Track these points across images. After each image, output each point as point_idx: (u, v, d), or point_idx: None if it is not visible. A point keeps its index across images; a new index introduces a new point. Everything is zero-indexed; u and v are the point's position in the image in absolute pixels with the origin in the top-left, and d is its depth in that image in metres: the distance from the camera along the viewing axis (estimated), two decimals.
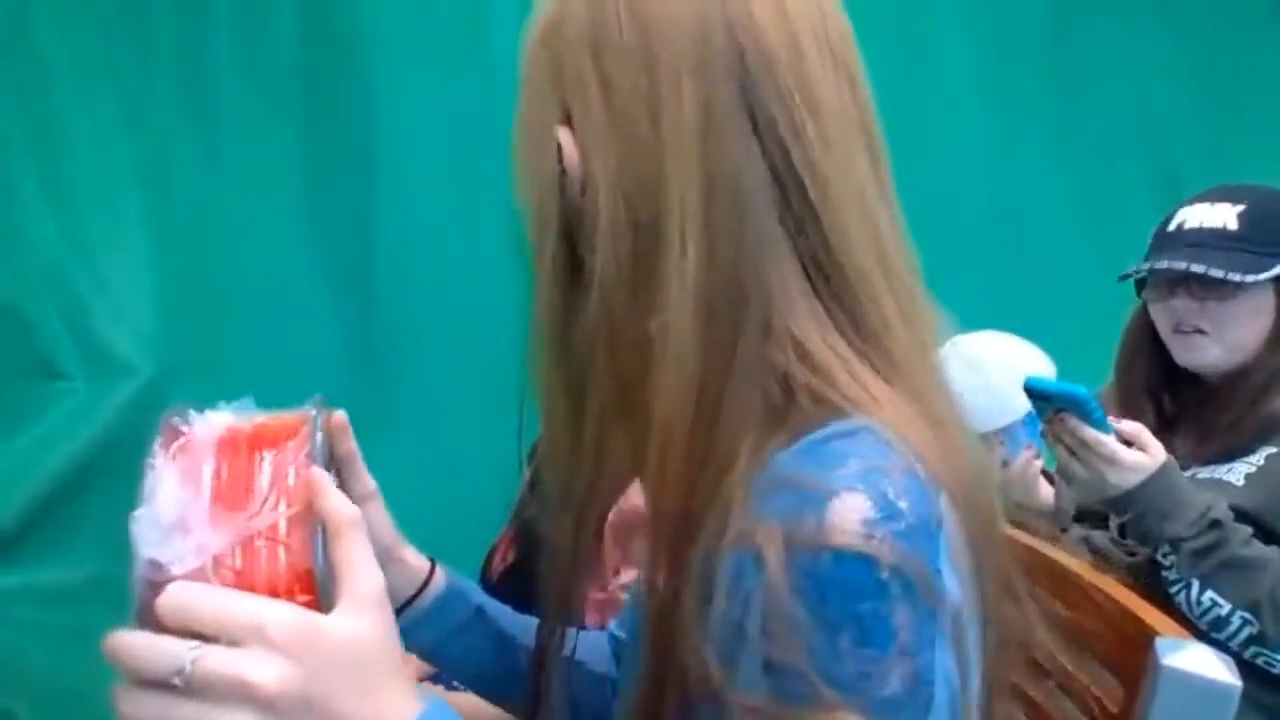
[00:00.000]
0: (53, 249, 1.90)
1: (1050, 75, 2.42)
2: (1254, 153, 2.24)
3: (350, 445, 0.70)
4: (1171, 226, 1.39)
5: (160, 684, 0.43)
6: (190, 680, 0.42)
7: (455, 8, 2.16)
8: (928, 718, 0.47)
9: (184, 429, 0.52)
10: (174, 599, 0.44)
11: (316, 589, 0.47)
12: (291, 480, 0.50)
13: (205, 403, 1.96)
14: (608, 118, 0.57)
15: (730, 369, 0.53)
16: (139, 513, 0.48)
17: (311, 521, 0.48)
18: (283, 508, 0.48)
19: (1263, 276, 1.30)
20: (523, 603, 0.81)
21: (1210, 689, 0.63)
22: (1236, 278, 1.28)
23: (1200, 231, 1.34)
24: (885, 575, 0.46)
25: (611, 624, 0.86)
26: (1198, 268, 1.30)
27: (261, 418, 0.54)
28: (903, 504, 0.48)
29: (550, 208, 0.60)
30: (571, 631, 0.78)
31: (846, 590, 0.46)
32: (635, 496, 1.30)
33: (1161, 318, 1.40)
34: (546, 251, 0.61)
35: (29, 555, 1.82)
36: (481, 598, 0.79)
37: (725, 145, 0.55)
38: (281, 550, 0.47)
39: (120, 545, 1.77)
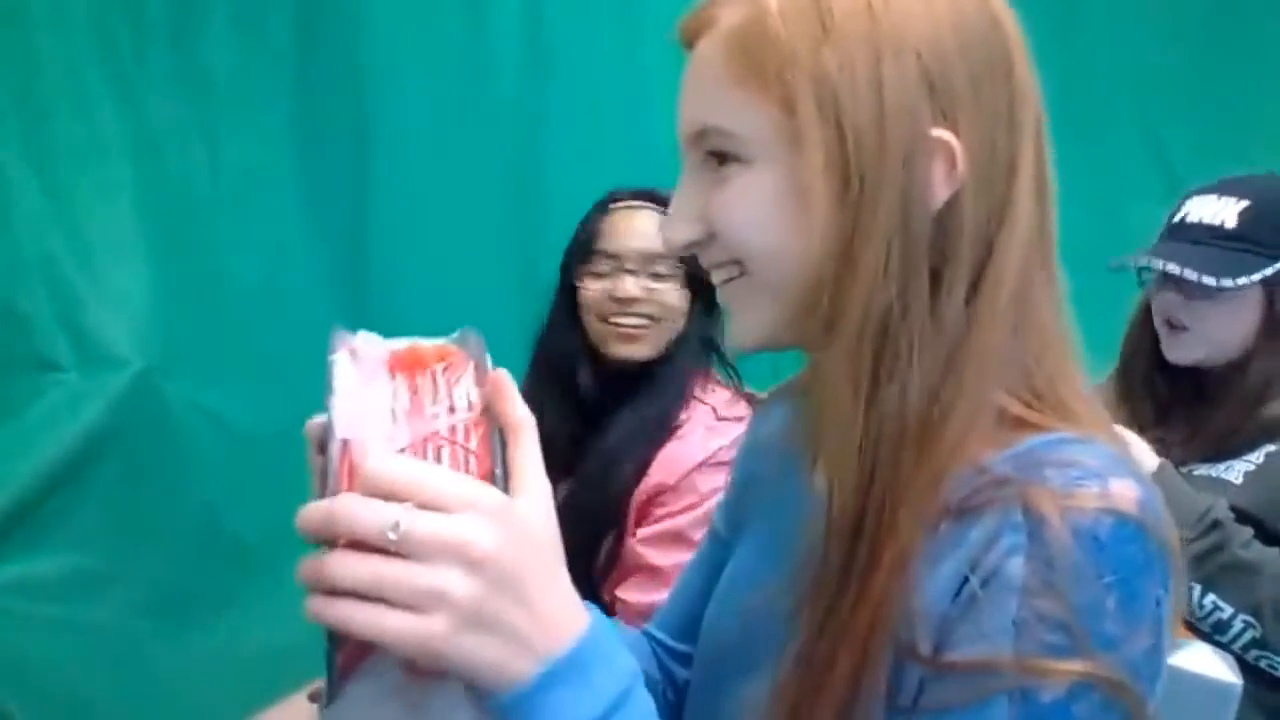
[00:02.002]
0: (45, 241, 1.89)
1: (1048, 68, 2.41)
2: (1252, 144, 2.25)
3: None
4: (1177, 217, 1.38)
5: (370, 544, 0.43)
6: (405, 537, 0.42)
7: None
8: (1154, 688, 0.50)
9: (355, 347, 0.52)
10: (386, 464, 0.44)
11: (495, 489, 0.48)
12: (464, 388, 0.50)
13: (203, 393, 1.94)
14: (977, 114, 0.56)
15: (1007, 359, 0.56)
16: (332, 399, 0.48)
17: (489, 425, 0.49)
18: (463, 412, 0.49)
19: (1241, 281, 1.28)
20: None
21: (1212, 688, 0.63)
22: (1210, 282, 1.27)
23: (1199, 228, 1.34)
24: (1154, 548, 0.50)
25: (649, 625, 0.86)
26: (1173, 268, 1.29)
27: (414, 340, 0.54)
28: (1155, 496, 0.52)
29: (920, 225, 0.55)
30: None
31: (1123, 555, 0.49)
32: (653, 477, 1.31)
33: (1156, 309, 1.40)
34: (898, 267, 0.55)
35: (21, 547, 1.81)
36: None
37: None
38: (461, 451, 0.48)
39: (112, 536, 1.76)
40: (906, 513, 0.53)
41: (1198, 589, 1.21)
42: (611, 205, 1.43)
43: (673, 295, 1.38)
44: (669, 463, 1.32)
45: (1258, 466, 1.30)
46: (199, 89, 2.01)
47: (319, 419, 0.52)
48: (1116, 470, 0.52)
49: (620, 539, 1.34)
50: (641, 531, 1.32)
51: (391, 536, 0.42)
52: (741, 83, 0.57)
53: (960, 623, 0.51)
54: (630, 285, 1.37)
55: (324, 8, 2.08)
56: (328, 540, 0.44)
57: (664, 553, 1.29)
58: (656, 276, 1.38)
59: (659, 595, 1.26)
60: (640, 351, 1.39)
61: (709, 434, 1.33)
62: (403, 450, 0.47)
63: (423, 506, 0.43)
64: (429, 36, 2.14)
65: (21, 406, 1.85)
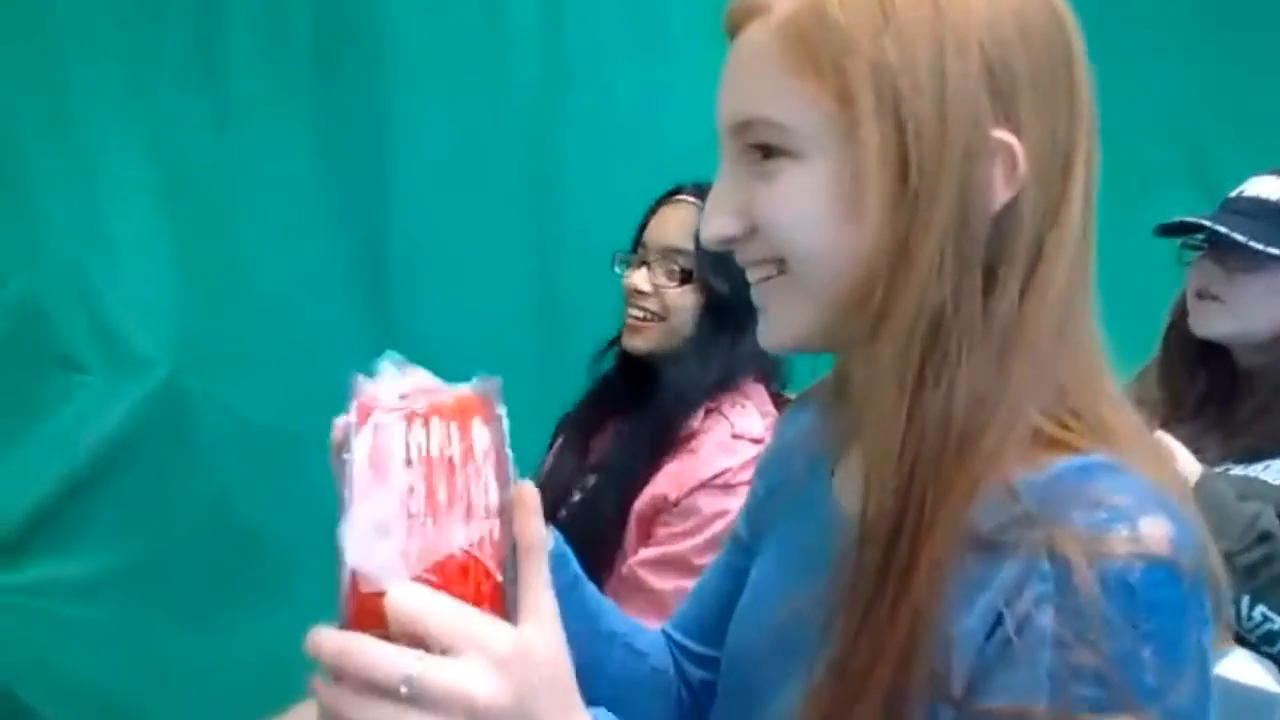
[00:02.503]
0: (70, 243, 1.90)
1: None
2: None
3: None
4: (1234, 192, 1.38)
5: (384, 690, 0.43)
6: (416, 690, 0.43)
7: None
8: None
9: (373, 406, 0.51)
10: (404, 604, 0.45)
11: (505, 605, 0.48)
12: (486, 483, 0.49)
13: (228, 394, 1.95)
14: (1039, 110, 0.55)
15: (1042, 382, 0.55)
16: (344, 520, 0.47)
17: (505, 536, 0.49)
18: (480, 519, 0.48)
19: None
20: None
21: (1255, 696, 0.62)
22: (1258, 245, 1.26)
23: (1253, 201, 1.33)
24: (1188, 590, 0.49)
25: (666, 625, 0.85)
26: (1221, 228, 1.29)
27: (434, 391, 0.53)
28: (1189, 528, 0.50)
29: (978, 225, 0.54)
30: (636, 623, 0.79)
31: (1157, 600, 0.48)
32: (658, 486, 1.29)
33: (1191, 281, 1.38)
34: (955, 269, 0.53)
35: (47, 549, 1.82)
36: (577, 568, 0.77)
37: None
38: (477, 564, 0.48)
39: (137, 538, 1.77)
40: (944, 517, 0.52)
41: (1246, 600, 1.18)
42: (668, 199, 1.42)
43: (680, 296, 1.34)
44: (676, 476, 1.29)
45: None
46: (220, 90, 2.01)
47: (343, 420, 0.53)
48: (1147, 506, 0.50)
49: (619, 546, 1.31)
50: (643, 552, 1.29)
51: (404, 691, 0.43)
52: (796, 73, 0.55)
53: (994, 670, 0.50)
54: (638, 278, 1.37)
55: (344, 10, 2.08)
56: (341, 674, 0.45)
57: (663, 578, 1.25)
58: (671, 274, 1.35)
59: (659, 623, 1.24)
60: (638, 344, 1.37)
61: (719, 452, 1.29)
62: (416, 567, 0.46)
63: (433, 644, 0.44)
64: (448, 39, 2.14)
65: (48, 409, 1.86)
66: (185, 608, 1.88)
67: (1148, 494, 0.51)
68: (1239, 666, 0.64)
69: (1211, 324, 1.35)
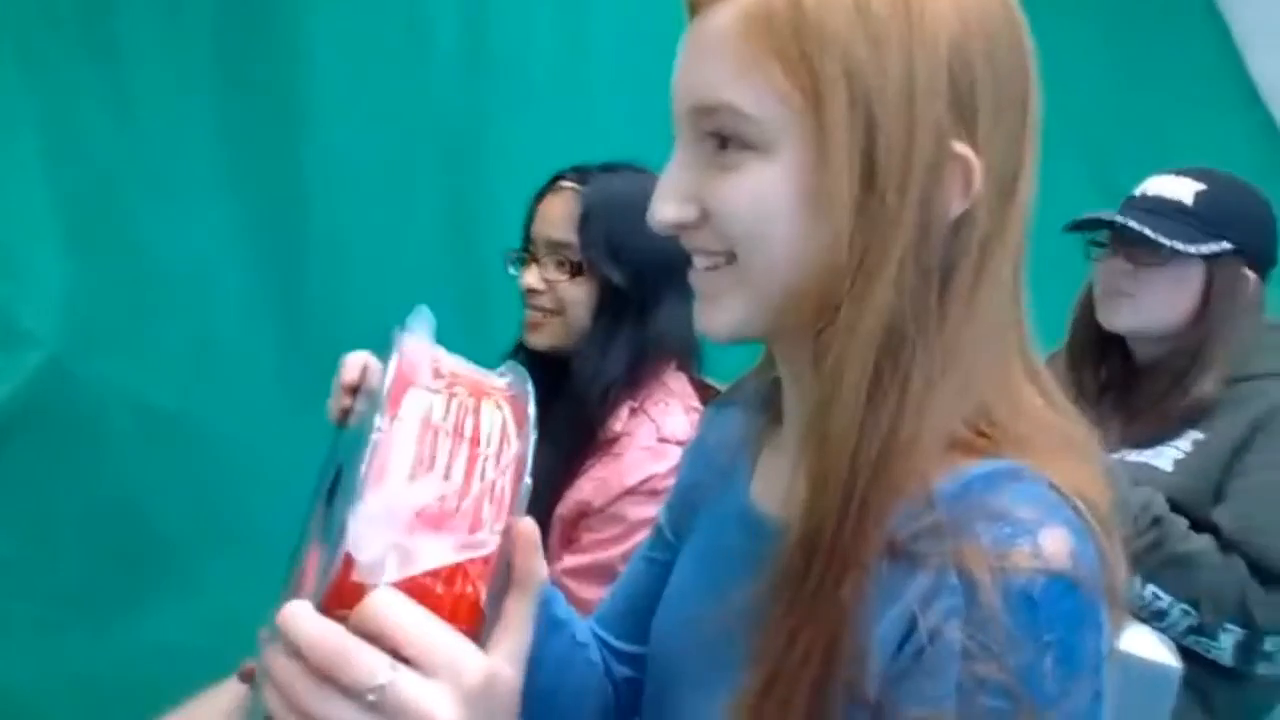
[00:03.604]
0: None
1: None
2: (1188, 146, 2.30)
3: None
4: (1138, 191, 1.44)
5: (350, 690, 0.42)
6: (384, 699, 0.42)
7: None
8: None
9: (411, 379, 0.49)
10: (380, 610, 0.44)
11: (479, 627, 0.47)
12: (499, 497, 0.48)
13: (121, 376, 1.85)
14: (996, 126, 0.55)
15: (970, 388, 0.56)
16: (358, 499, 0.45)
17: (503, 558, 0.48)
18: (484, 532, 0.47)
19: (1190, 249, 1.34)
20: None
21: (1155, 671, 0.64)
22: (1165, 241, 1.33)
23: (1157, 200, 1.40)
24: (1086, 600, 0.51)
25: (591, 620, 0.85)
26: (1132, 224, 1.35)
27: (476, 375, 0.52)
28: (1089, 537, 0.52)
29: (936, 237, 0.54)
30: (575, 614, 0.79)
31: (1058, 612, 0.50)
32: (581, 490, 1.27)
33: (1098, 278, 1.44)
34: (912, 278, 0.54)
35: None
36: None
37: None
38: (465, 578, 0.47)
39: (23, 527, 1.68)
40: (874, 523, 0.53)
41: (1138, 580, 1.24)
42: (549, 188, 1.38)
43: (573, 288, 1.30)
44: (601, 481, 1.26)
45: (1186, 455, 1.34)
46: (113, 58, 1.91)
47: (356, 358, 0.49)
48: (1049, 517, 0.52)
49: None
50: (568, 559, 1.26)
51: (372, 699, 0.42)
52: (764, 62, 0.54)
53: (905, 679, 0.51)
54: (530, 276, 1.33)
55: None
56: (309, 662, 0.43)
57: (589, 586, 1.23)
58: (561, 266, 1.31)
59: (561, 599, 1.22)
60: (538, 342, 1.33)
61: (645, 457, 1.25)
62: (410, 573, 0.45)
63: (408, 659, 0.43)
64: (359, 17, 2.08)
65: None
66: (79, 599, 1.80)
67: (1050, 505, 0.53)
68: (1139, 642, 0.67)
69: (1119, 318, 1.41)
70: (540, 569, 0.49)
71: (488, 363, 1.60)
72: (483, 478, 0.48)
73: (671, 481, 1.22)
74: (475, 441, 0.49)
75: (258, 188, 2.03)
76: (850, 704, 0.52)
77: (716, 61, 0.55)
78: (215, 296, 1.97)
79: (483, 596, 0.47)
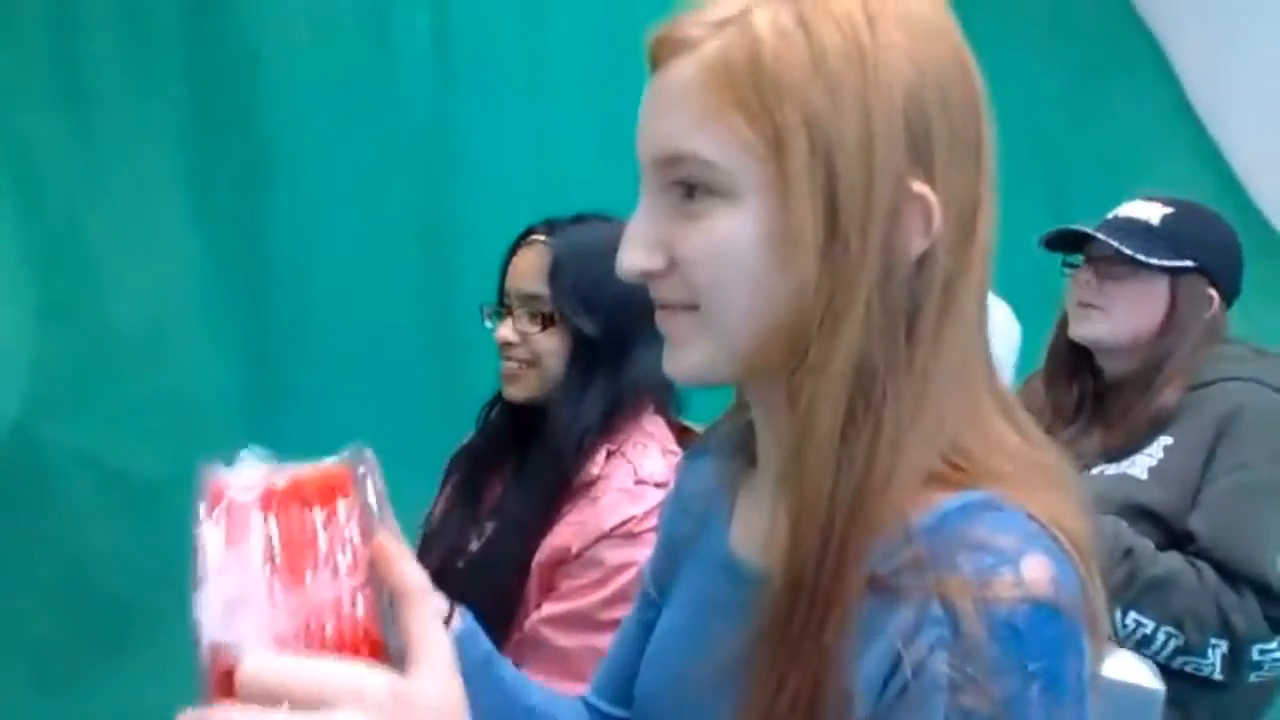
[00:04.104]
0: None
1: None
2: (1124, 167, 2.38)
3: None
4: (1111, 214, 1.50)
5: None
6: None
7: None
8: None
9: (224, 489, 0.48)
10: (260, 667, 0.42)
11: (389, 659, 0.45)
12: (349, 546, 0.47)
13: (86, 440, 1.82)
14: (952, 166, 0.56)
15: (943, 423, 0.56)
16: (198, 595, 0.44)
17: (377, 589, 0.46)
18: (345, 577, 0.46)
19: (1154, 261, 1.39)
20: None
21: (1137, 695, 0.63)
22: (1128, 252, 1.39)
23: (1125, 219, 1.46)
24: (1069, 626, 0.51)
25: (586, 693, 0.82)
26: (1101, 235, 1.41)
27: (298, 470, 0.50)
28: (1068, 563, 0.53)
29: (899, 277, 0.55)
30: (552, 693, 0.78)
31: (1041, 640, 0.50)
32: (559, 536, 1.26)
33: (1070, 292, 1.49)
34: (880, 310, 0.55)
35: None
36: (489, 645, 0.74)
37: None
38: (347, 624, 0.45)
39: None
40: (854, 561, 0.53)
41: (1119, 611, 1.24)
42: (520, 242, 1.39)
43: (546, 340, 1.29)
44: (578, 526, 1.23)
45: (1159, 462, 1.36)
46: (82, 116, 1.91)
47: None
48: (1029, 545, 0.52)
49: (520, 600, 1.27)
50: (547, 608, 1.22)
51: None
52: (723, 113, 0.54)
53: (892, 714, 0.51)
54: (504, 329, 1.33)
55: (214, 13, 2.00)
56: None
57: (568, 635, 1.20)
58: (534, 318, 1.32)
59: (567, 684, 1.18)
60: (515, 393, 1.33)
61: (623, 499, 1.23)
62: (278, 635, 0.44)
63: (305, 705, 0.41)
64: (326, 33, 2.08)
65: None
66: (38, 664, 1.75)
67: (1029, 533, 0.53)
68: (1122, 666, 0.67)
69: (1088, 328, 1.46)
70: (414, 574, 0.47)
71: (465, 409, 1.57)
72: (327, 532, 0.47)
73: (651, 524, 1.21)
74: (307, 514, 0.48)
75: (224, 243, 2.02)
76: None
77: (680, 112, 0.56)
78: (179, 355, 1.95)
79: (377, 633, 0.46)
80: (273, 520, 0.47)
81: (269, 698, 0.41)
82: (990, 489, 0.55)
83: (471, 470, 1.42)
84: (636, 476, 1.25)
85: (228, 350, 2.03)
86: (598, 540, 1.21)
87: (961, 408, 0.57)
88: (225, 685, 0.43)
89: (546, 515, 1.27)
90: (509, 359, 1.33)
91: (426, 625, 0.47)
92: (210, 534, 0.46)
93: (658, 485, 1.24)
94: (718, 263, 0.56)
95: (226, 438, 1.93)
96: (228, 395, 2.00)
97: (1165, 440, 1.37)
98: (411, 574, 0.47)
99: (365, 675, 0.43)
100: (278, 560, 0.45)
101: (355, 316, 2.07)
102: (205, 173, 1.99)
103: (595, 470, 1.26)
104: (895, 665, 0.51)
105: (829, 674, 0.52)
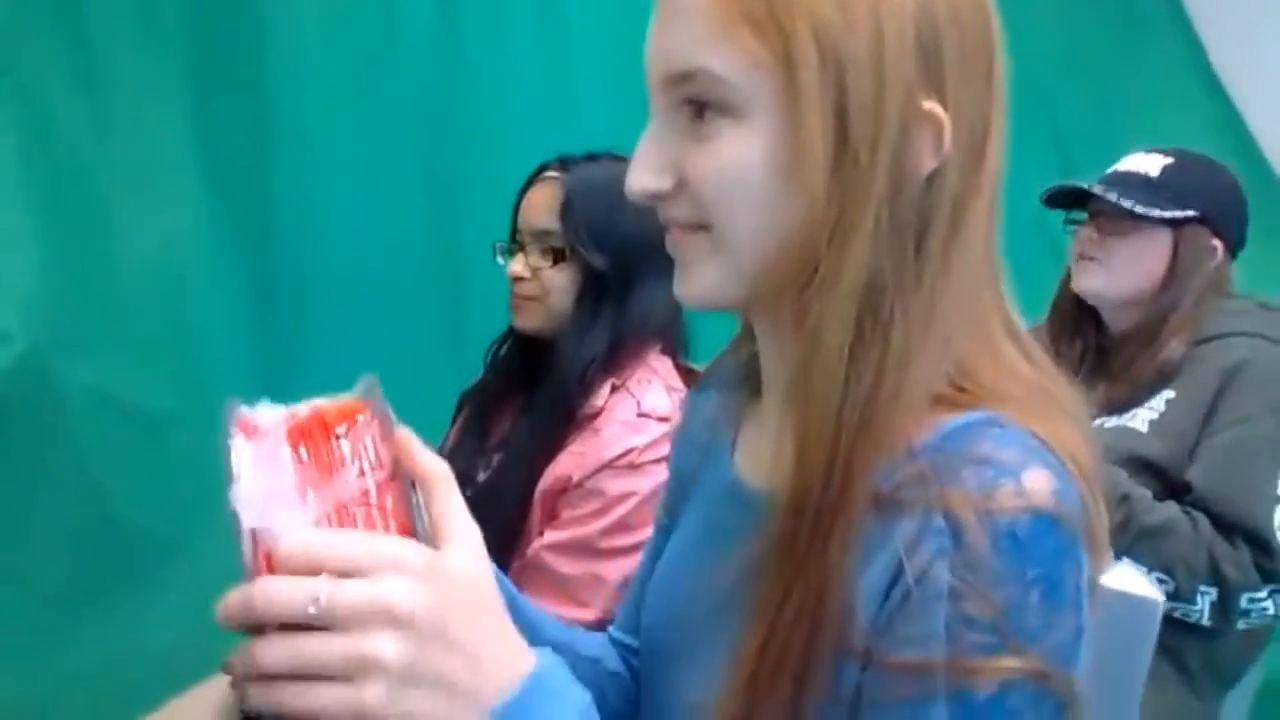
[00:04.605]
0: None
1: None
2: (1144, 129, 2.34)
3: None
4: (1112, 168, 1.50)
5: (296, 622, 0.42)
6: (327, 610, 0.42)
7: None
8: (1080, 658, 0.53)
9: (252, 419, 0.51)
10: (302, 543, 0.44)
11: (414, 538, 0.47)
12: (371, 448, 0.50)
13: (95, 373, 1.83)
14: (963, 85, 0.56)
15: (950, 343, 0.57)
16: (235, 489, 0.47)
17: (402, 483, 0.49)
18: (371, 473, 0.49)
19: (1153, 213, 1.39)
20: None
21: (1137, 604, 0.65)
22: (1127, 205, 1.38)
23: (1126, 173, 1.46)
24: (1069, 536, 0.52)
25: (610, 629, 0.85)
26: (1098, 190, 1.41)
27: (315, 402, 0.53)
28: (1069, 478, 0.54)
29: (909, 193, 0.55)
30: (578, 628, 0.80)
31: (1042, 549, 0.51)
32: (562, 465, 1.27)
33: (1073, 245, 1.50)
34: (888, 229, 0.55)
35: None
36: (512, 588, 0.76)
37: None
38: (377, 513, 0.48)
39: (9, 520, 1.64)
40: (859, 477, 0.54)
41: (1112, 553, 1.26)
42: (534, 178, 1.39)
43: (556, 275, 1.31)
44: (580, 456, 1.26)
45: (1160, 415, 1.37)
46: (88, 57, 1.89)
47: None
48: (1031, 460, 0.53)
49: (524, 528, 1.29)
50: (549, 535, 1.25)
51: (313, 611, 0.42)
52: (733, 27, 0.54)
53: (894, 625, 0.52)
54: (516, 264, 1.34)
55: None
56: (255, 628, 0.44)
57: (570, 562, 1.23)
58: (545, 254, 1.32)
59: (568, 609, 1.21)
60: (523, 322, 1.35)
61: (625, 431, 1.26)
62: (319, 523, 0.47)
63: (344, 575, 0.43)
64: (332, 6, 2.07)
65: None
66: (57, 599, 1.78)
67: (1030, 448, 0.54)
68: (1120, 577, 0.68)
69: (1091, 280, 1.46)
70: (436, 463, 0.49)
71: (471, 352, 1.59)
72: (349, 438, 0.49)
73: (652, 456, 1.23)
74: (329, 430, 0.50)
75: (231, 182, 2.01)
76: (839, 656, 0.53)
77: (688, 28, 0.56)
78: (188, 291, 1.96)
79: (407, 520, 0.48)
80: (300, 440, 0.49)
81: (309, 570, 0.43)
82: (995, 410, 0.56)
83: (481, 405, 1.45)
84: (639, 409, 1.27)
85: (235, 289, 2.04)
86: (599, 470, 1.24)
87: (969, 329, 0.58)
88: (268, 568, 0.45)
89: (551, 446, 1.30)
90: (518, 294, 1.34)
91: (452, 507, 0.49)
92: (241, 446, 0.48)
93: (660, 419, 1.27)
94: (727, 182, 0.56)
95: (234, 375, 1.95)
96: (235, 333, 2.01)
97: (1168, 394, 1.38)
98: (434, 462, 0.49)
99: (401, 546, 0.45)
100: (306, 463, 0.48)
101: (362, 257, 2.08)
102: (212, 115, 1.98)
103: (599, 403, 1.29)
104: (897, 575, 0.52)
105: (831, 587, 0.53)
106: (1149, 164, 1.45)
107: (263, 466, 0.48)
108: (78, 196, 1.86)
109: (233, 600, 0.43)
